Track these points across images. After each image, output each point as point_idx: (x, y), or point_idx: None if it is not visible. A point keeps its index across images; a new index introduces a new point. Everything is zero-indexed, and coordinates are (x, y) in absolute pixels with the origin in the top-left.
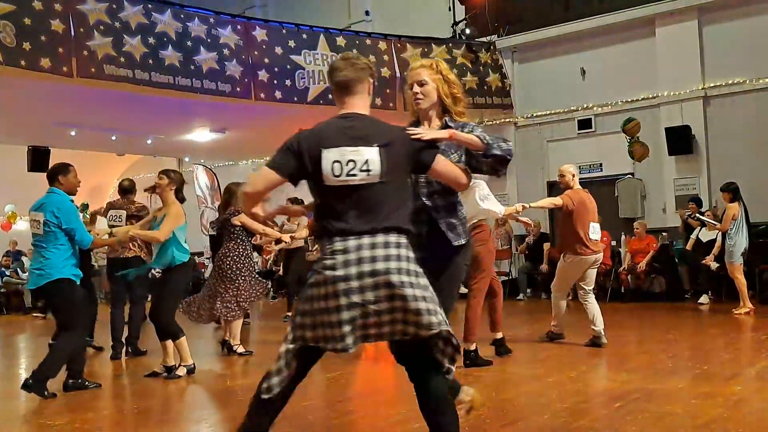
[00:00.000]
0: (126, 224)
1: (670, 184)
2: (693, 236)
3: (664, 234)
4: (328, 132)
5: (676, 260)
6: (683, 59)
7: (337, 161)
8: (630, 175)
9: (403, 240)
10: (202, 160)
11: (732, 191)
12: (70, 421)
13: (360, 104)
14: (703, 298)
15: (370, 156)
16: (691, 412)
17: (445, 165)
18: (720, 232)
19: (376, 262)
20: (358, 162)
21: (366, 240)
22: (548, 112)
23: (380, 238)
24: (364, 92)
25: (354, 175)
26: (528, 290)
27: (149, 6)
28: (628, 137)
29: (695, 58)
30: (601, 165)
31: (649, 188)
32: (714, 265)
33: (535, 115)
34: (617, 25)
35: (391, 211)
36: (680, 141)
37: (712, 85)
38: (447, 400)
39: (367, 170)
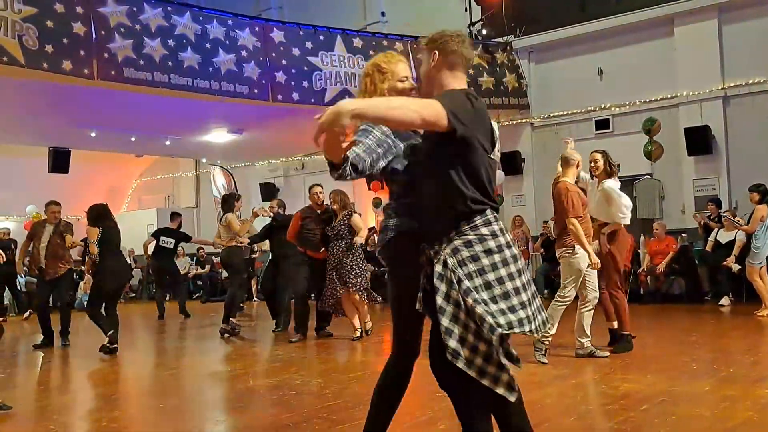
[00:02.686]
0: None
1: (689, 185)
2: (711, 238)
3: (683, 235)
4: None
5: (696, 261)
6: (702, 59)
7: (493, 132)
8: (648, 176)
9: None
10: (219, 161)
11: (762, 192)
12: (97, 419)
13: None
14: (724, 300)
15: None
16: (719, 415)
17: None
18: (743, 233)
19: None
20: (497, 137)
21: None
22: (565, 113)
23: None
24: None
25: (495, 149)
26: (545, 291)
27: (169, 8)
28: (650, 137)
29: (715, 58)
30: (618, 165)
31: (668, 189)
32: (735, 267)
33: (552, 115)
34: (635, 25)
35: None
36: (699, 141)
37: (732, 84)
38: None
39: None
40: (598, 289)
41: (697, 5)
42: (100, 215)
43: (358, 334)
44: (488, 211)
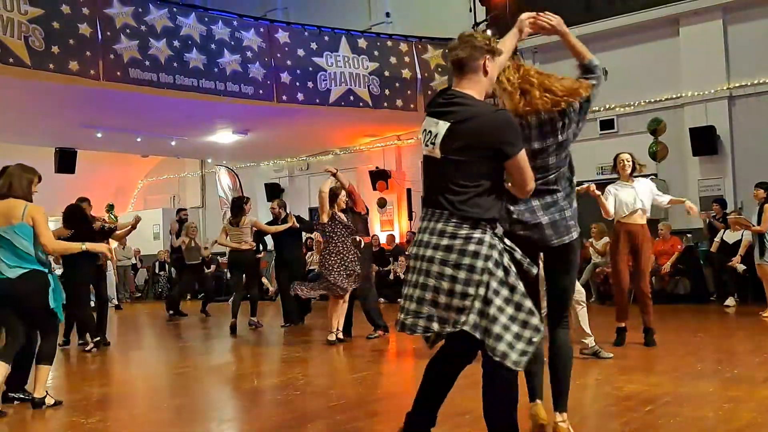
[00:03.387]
0: None
1: (695, 185)
2: (717, 238)
3: (688, 235)
4: (431, 101)
5: (701, 262)
6: (708, 59)
7: (424, 130)
8: (653, 176)
9: (463, 231)
10: (225, 162)
11: None
12: (102, 419)
13: (467, 85)
14: (729, 301)
15: (440, 130)
16: (724, 416)
17: (521, 162)
18: (750, 234)
19: (428, 247)
20: (432, 134)
21: (431, 222)
22: None
23: (440, 224)
24: (476, 71)
25: (426, 146)
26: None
27: (174, 9)
28: (656, 138)
29: (720, 58)
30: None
31: (673, 189)
32: (740, 268)
33: None
34: (640, 25)
35: (458, 193)
36: (705, 141)
37: (737, 84)
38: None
39: (433, 143)
40: (582, 288)
41: (702, 5)
42: (70, 216)
43: (332, 338)
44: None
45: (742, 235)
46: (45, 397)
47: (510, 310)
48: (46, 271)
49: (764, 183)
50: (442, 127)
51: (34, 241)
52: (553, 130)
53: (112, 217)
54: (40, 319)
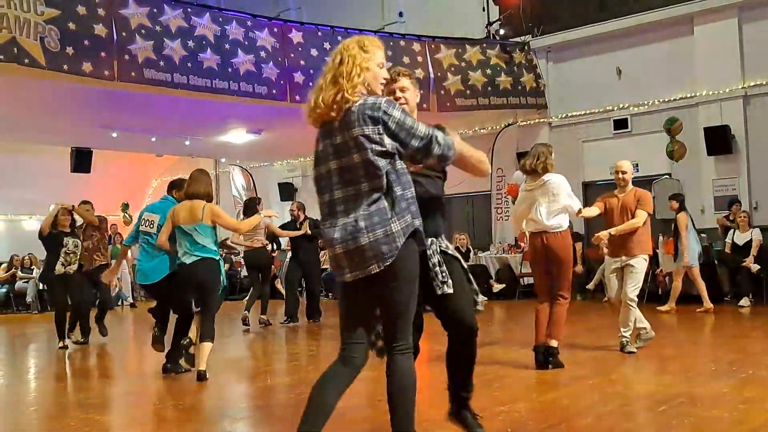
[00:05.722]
0: None
1: (709, 185)
2: (728, 239)
3: (702, 235)
4: None
5: (716, 262)
6: (722, 57)
7: None
8: (667, 176)
9: None
10: (238, 161)
11: (680, 200)
12: (117, 415)
13: None
14: (744, 301)
15: None
16: (738, 417)
17: None
18: (758, 232)
19: None
20: None
21: None
22: (583, 112)
23: None
24: None
25: None
26: None
27: (189, 10)
28: (670, 137)
29: (735, 57)
30: (637, 165)
31: (687, 189)
32: (755, 268)
33: (570, 115)
34: (654, 24)
35: None
36: (719, 141)
37: (752, 83)
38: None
39: None
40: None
41: (716, 4)
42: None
43: None
44: None
45: (752, 235)
46: (206, 371)
47: None
48: (217, 258)
49: (676, 194)
50: None
51: (209, 233)
52: None
53: (127, 216)
54: (208, 297)
